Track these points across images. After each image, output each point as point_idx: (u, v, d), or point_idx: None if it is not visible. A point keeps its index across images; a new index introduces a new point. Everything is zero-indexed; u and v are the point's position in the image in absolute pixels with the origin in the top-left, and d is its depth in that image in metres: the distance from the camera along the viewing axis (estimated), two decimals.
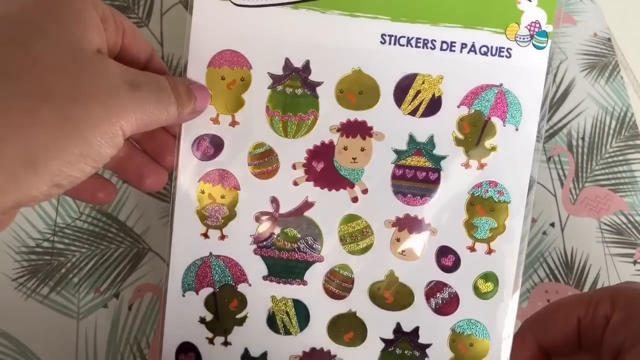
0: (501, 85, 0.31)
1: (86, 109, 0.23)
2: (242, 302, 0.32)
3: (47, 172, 0.23)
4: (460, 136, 0.31)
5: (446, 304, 0.32)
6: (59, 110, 0.23)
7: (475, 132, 0.31)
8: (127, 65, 0.26)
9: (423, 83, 0.31)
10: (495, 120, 0.31)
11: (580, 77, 0.43)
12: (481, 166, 0.31)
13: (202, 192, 0.32)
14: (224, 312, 0.32)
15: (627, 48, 0.44)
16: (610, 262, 0.41)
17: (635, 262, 0.41)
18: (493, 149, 0.31)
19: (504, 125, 0.31)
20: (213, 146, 0.31)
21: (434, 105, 0.31)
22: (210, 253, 0.32)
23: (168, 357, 0.32)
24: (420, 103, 0.31)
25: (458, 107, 0.31)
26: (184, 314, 0.32)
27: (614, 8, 0.44)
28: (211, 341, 0.32)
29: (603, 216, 0.42)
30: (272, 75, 0.31)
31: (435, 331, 0.32)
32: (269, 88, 0.31)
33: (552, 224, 0.41)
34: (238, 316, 0.32)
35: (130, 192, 0.40)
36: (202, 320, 0.32)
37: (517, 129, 0.31)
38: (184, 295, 0.32)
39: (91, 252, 0.39)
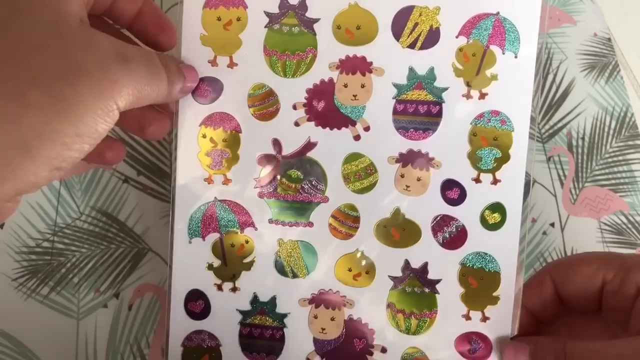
0: (498, 13, 0.30)
1: (76, 87, 0.22)
2: (249, 246, 0.32)
3: (43, 156, 0.22)
4: (460, 67, 0.31)
5: (454, 238, 0.31)
6: (47, 91, 0.22)
7: (474, 62, 0.31)
8: (121, 19, 0.26)
9: (420, 15, 0.31)
10: (494, 48, 0.30)
11: (580, 77, 0.43)
12: (482, 96, 0.31)
13: (204, 136, 0.31)
14: (231, 258, 0.32)
15: (627, 48, 0.44)
16: None
17: None
18: (493, 77, 0.31)
19: (503, 53, 0.30)
20: (212, 89, 0.31)
21: (432, 37, 0.31)
22: (215, 198, 0.32)
23: (177, 305, 0.32)
24: (419, 35, 0.31)
25: (456, 37, 0.31)
26: (192, 261, 0.32)
27: (614, 8, 0.44)
28: (220, 287, 0.32)
29: (603, 216, 0.41)
30: (268, 14, 0.31)
31: (444, 266, 0.31)
32: (265, 27, 0.31)
33: (552, 224, 0.41)
34: (245, 261, 0.32)
35: (130, 192, 0.40)
36: (210, 267, 0.32)
37: (516, 56, 0.30)
38: (190, 242, 0.32)
39: (91, 252, 0.39)
